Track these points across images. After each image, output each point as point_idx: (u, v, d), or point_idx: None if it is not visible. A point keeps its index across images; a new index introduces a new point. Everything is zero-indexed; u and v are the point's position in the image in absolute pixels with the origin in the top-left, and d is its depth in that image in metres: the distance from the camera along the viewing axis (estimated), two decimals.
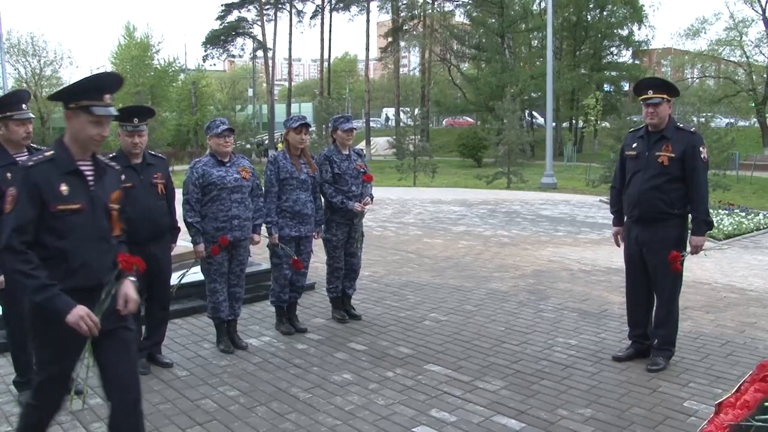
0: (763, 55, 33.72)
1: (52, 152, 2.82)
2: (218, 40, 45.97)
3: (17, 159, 3.89)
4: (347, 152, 5.92)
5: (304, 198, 5.52)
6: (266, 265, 6.81)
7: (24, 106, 4.10)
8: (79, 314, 2.70)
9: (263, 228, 5.42)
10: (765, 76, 33.12)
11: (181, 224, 4.94)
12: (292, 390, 4.39)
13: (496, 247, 9.76)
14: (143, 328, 4.81)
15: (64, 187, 2.78)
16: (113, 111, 2.85)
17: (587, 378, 4.63)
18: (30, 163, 2.78)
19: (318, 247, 6.21)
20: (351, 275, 6.09)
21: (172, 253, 4.96)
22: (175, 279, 5.11)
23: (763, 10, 32.94)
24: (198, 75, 44.33)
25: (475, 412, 4.06)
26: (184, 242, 5.47)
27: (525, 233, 11.17)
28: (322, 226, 5.84)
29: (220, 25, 45.64)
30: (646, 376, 4.67)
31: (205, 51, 46.59)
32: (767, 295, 7.03)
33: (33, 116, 4.24)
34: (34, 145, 4.19)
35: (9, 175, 3.32)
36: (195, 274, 5.58)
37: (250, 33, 46.16)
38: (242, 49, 47.98)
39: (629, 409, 4.12)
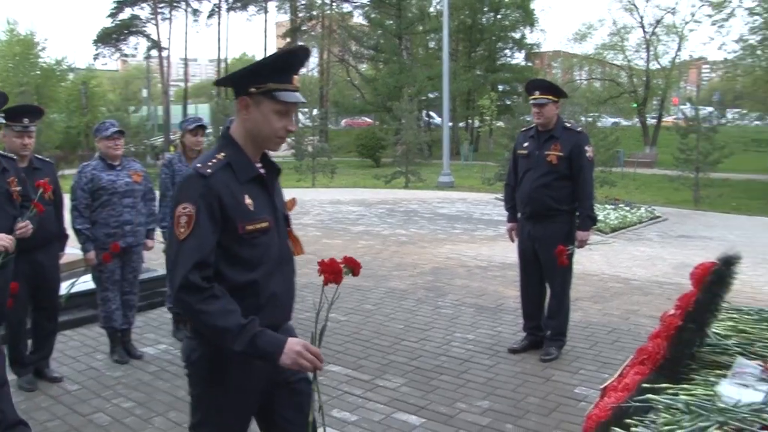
0: (642, 59, 35.78)
1: (222, 154, 2.16)
2: (110, 38, 44.24)
3: None
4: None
5: None
6: (162, 270, 6.62)
7: None
8: (295, 350, 2.05)
9: (158, 232, 5.26)
10: (644, 79, 35.14)
11: (71, 231, 4.74)
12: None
13: (395, 246, 9.87)
14: (29, 341, 4.58)
15: (248, 200, 2.16)
16: (301, 97, 2.22)
17: (484, 371, 4.76)
18: (208, 171, 2.10)
19: None
20: None
21: (61, 262, 4.74)
22: (64, 288, 4.89)
23: (641, 18, 35.09)
24: (88, 75, 42.46)
25: (376, 410, 4.10)
26: (73, 250, 5.24)
27: (423, 231, 11.35)
28: None
29: (112, 22, 43.95)
30: (540, 366, 4.85)
31: (96, 50, 44.84)
32: (649, 284, 7.46)
33: None
34: None
35: None
36: (86, 282, 5.36)
37: (143, 31, 44.70)
38: (136, 48, 46.45)
39: (525, 398, 4.27)
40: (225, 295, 2.05)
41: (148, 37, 44.49)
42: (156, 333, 5.69)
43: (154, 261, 7.14)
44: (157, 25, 42.85)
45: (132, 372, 4.77)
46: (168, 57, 44.55)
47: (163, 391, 4.41)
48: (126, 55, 49.03)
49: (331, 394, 4.35)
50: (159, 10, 43.14)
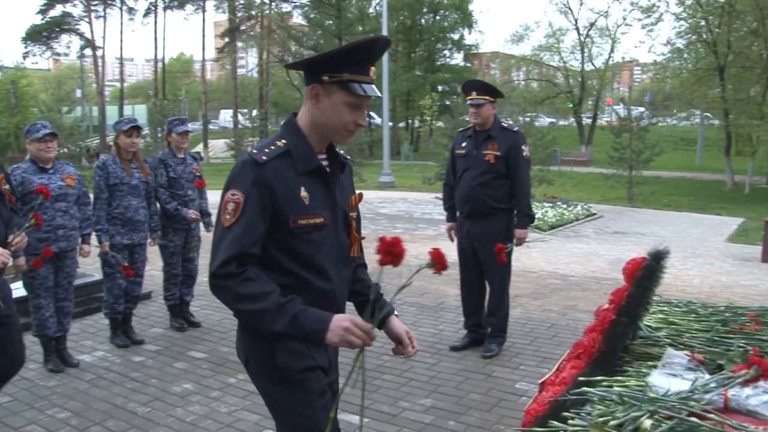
0: (577, 60, 36.71)
1: (283, 141, 2.04)
2: (40, 36, 42.71)
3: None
4: (183, 156, 5.75)
5: (136, 204, 5.27)
6: (98, 275, 6.46)
7: None
8: (342, 326, 1.89)
9: (93, 236, 5.13)
10: (579, 80, 36.04)
11: None
12: (129, 405, 4.20)
13: None
14: None
15: (304, 193, 2.03)
16: (377, 90, 2.08)
17: (427, 369, 4.80)
18: (263, 158, 1.98)
19: (154, 254, 5.97)
20: (188, 281, 5.93)
21: None
22: None
23: (576, 21, 36.05)
24: (17, 74, 40.95)
25: None
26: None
27: (364, 232, 11.31)
28: (158, 232, 5.63)
29: (42, 19, 42.40)
30: (481, 362, 4.92)
31: (26, 48, 43.22)
32: (586, 280, 7.65)
33: None
34: None
35: None
36: (17, 289, 5.17)
37: (76, 30, 43.30)
38: (68, 47, 45.00)
39: (467, 395, 4.33)
40: (260, 276, 1.94)
41: (81, 35, 43.18)
42: (93, 340, 5.54)
43: (90, 265, 6.97)
44: (90, 23, 41.66)
45: (67, 381, 4.64)
46: (103, 56, 43.43)
47: (100, 399, 4.30)
48: (58, 54, 47.48)
49: None
50: (92, 8, 41.92)
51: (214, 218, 6.31)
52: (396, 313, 2.23)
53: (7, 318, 3.55)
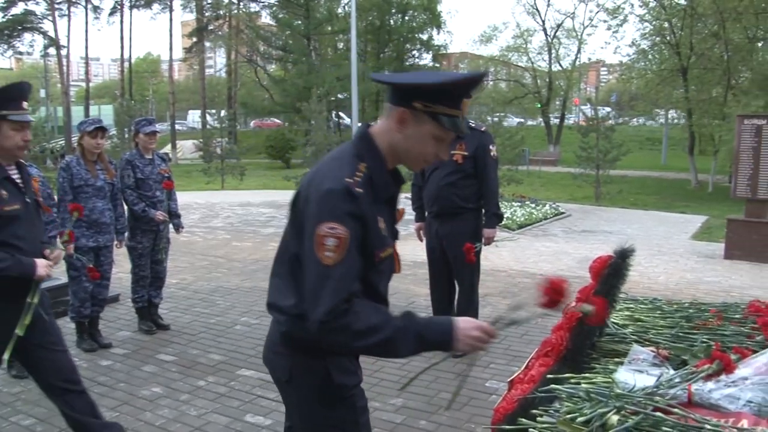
0: (545, 61, 37.09)
1: (364, 165, 1.87)
2: (2, 34, 41.71)
3: (10, 173, 3.10)
4: (150, 156, 5.69)
5: (102, 206, 5.21)
6: (64, 279, 6.36)
7: (24, 104, 3.09)
8: (471, 336, 1.84)
9: (57, 239, 5.05)
10: (547, 80, 36.42)
11: None
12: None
13: None
14: None
15: (382, 224, 1.90)
16: (467, 128, 1.99)
17: (397, 369, 4.81)
18: (358, 189, 1.81)
19: (121, 256, 5.90)
20: (157, 283, 5.87)
21: None
22: None
23: (543, 22, 36.41)
24: None
25: None
26: None
27: None
28: (126, 234, 5.56)
29: (3, 17, 41.46)
30: (451, 361, 4.90)
31: None
32: None
33: (33, 119, 3.31)
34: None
35: (4, 193, 2.95)
36: None
37: (39, 28, 42.38)
38: (31, 46, 44.20)
39: (437, 394, 4.35)
40: (366, 304, 1.81)
41: (44, 34, 42.33)
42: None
43: (55, 269, 6.84)
44: (54, 21, 40.80)
45: (32, 387, 4.51)
46: (67, 55, 42.55)
47: None
48: (21, 53, 46.56)
49: (245, 399, 4.30)
50: (56, 6, 41.13)
51: (183, 220, 6.26)
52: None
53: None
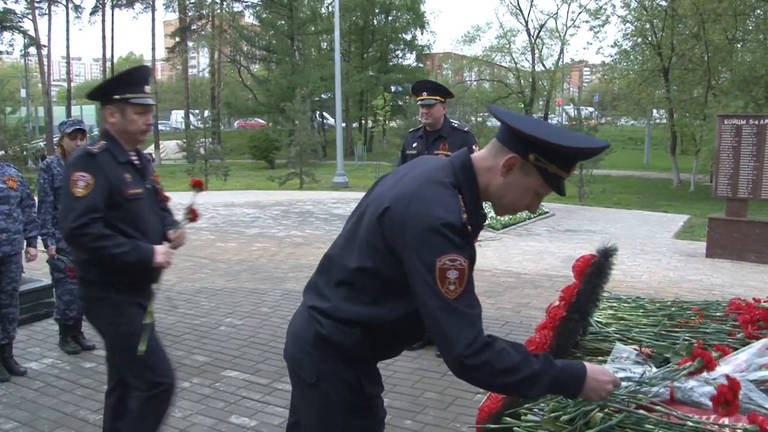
0: (528, 61, 37.27)
1: (460, 197, 1.79)
2: None
3: (131, 158, 3.07)
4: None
5: None
6: (46, 280, 6.32)
7: (146, 88, 3.07)
8: (605, 389, 1.81)
9: (39, 240, 5.01)
10: (530, 80, 36.59)
11: None
12: (80, 413, 4.11)
13: (290, 248, 9.81)
14: None
15: None
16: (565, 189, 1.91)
17: (383, 369, 4.74)
18: (465, 217, 1.76)
19: None
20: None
21: None
22: None
23: (526, 22, 36.59)
24: None
25: (275, 414, 4.07)
26: None
27: (318, 232, 11.33)
28: None
29: None
30: (436, 361, 4.96)
31: None
32: (539, 278, 7.77)
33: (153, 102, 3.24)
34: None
35: (127, 176, 2.92)
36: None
37: (19, 27, 41.82)
38: (11, 45, 43.51)
39: (423, 394, 4.36)
40: (505, 343, 1.77)
41: (24, 33, 41.86)
42: (41, 346, 5.40)
43: (38, 271, 6.80)
44: (34, 20, 40.32)
45: (14, 390, 4.51)
46: (48, 55, 42.12)
47: (49, 407, 4.19)
48: (0, 52, 46.07)
49: (230, 400, 4.28)
50: (36, 5, 40.68)
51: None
52: None
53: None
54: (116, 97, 2.92)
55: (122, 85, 2.94)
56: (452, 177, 1.83)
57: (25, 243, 4.86)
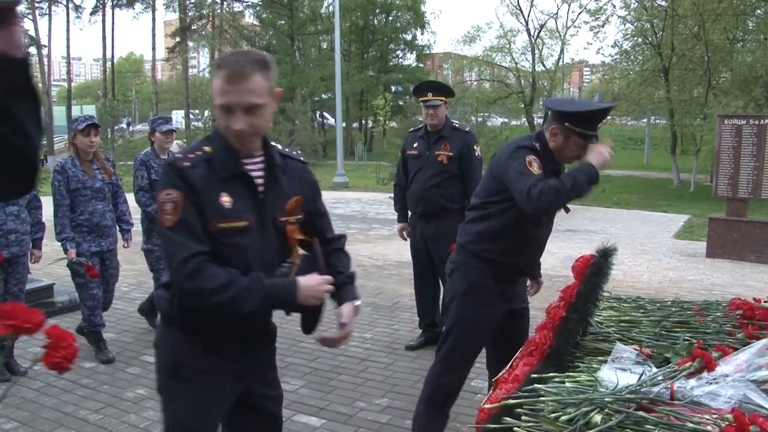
0: (528, 61, 37.25)
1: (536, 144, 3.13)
2: None
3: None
4: (166, 156, 5.37)
5: (102, 208, 4.95)
6: (46, 280, 6.36)
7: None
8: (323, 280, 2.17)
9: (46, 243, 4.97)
10: (531, 80, 36.58)
11: None
12: (81, 413, 4.11)
13: None
14: None
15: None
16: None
17: (383, 369, 4.82)
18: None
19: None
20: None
21: None
22: None
23: (527, 22, 36.59)
24: None
25: None
26: None
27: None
28: (128, 234, 5.36)
29: None
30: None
31: None
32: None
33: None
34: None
35: None
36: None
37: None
38: None
39: None
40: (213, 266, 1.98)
41: (25, 33, 41.82)
42: (41, 346, 5.38)
43: (38, 270, 6.79)
44: (35, 20, 40.38)
45: (14, 390, 4.51)
46: (48, 55, 42.21)
47: (49, 407, 4.20)
48: None
49: None
50: (37, 5, 40.71)
51: None
52: (357, 303, 2.32)
53: None
54: None
55: None
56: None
57: (30, 244, 4.81)
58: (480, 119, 20.37)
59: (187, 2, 42.37)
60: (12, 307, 1.57)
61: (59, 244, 4.90)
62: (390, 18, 40.65)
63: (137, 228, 5.65)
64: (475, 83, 41.42)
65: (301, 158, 2.29)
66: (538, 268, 3.47)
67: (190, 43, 45.40)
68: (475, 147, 5.05)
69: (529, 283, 3.52)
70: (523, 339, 2.99)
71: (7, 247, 4.54)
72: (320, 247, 2.21)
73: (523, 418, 1.95)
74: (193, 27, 43.57)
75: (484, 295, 3.18)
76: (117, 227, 5.26)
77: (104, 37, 42.26)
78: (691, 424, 1.75)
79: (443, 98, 5.00)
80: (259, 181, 2.08)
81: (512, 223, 3.04)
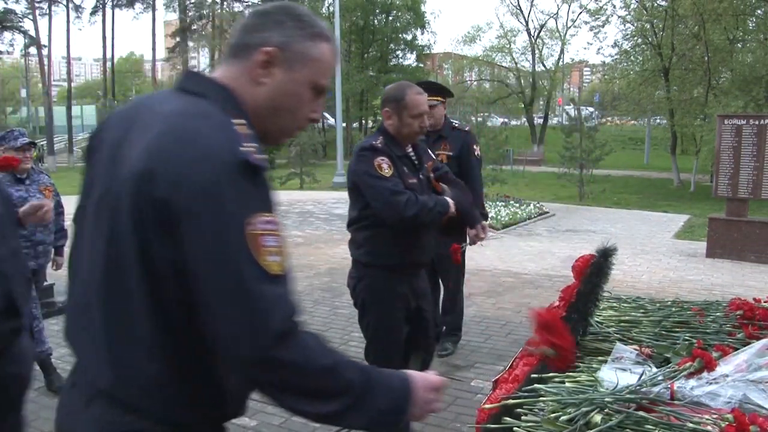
0: (528, 61, 37.28)
1: None
2: None
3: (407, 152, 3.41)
4: None
5: None
6: (50, 280, 6.33)
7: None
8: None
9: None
10: (531, 80, 36.61)
11: None
12: None
13: (290, 248, 9.76)
14: None
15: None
16: None
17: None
18: None
19: None
20: None
21: None
22: None
23: (527, 22, 36.62)
24: None
25: (275, 413, 4.06)
26: None
27: (318, 232, 11.33)
28: None
29: None
30: (436, 361, 4.94)
31: None
32: (539, 278, 7.76)
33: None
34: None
35: (405, 168, 3.29)
36: None
37: (19, 27, 41.77)
38: (11, 45, 43.50)
39: None
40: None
41: (25, 33, 41.82)
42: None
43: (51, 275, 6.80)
44: (35, 20, 40.19)
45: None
46: (48, 55, 42.05)
47: (49, 407, 4.19)
48: (0, 52, 46.05)
49: None
50: (37, 5, 40.59)
51: None
52: None
53: None
54: None
55: None
56: None
57: (52, 251, 4.80)
58: (480, 119, 20.37)
59: (187, 2, 42.32)
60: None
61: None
62: (390, 18, 40.62)
63: None
64: (475, 83, 41.45)
65: None
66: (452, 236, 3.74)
67: (190, 43, 45.30)
68: (474, 146, 5.05)
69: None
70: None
71: (35, 258, 4.52)
72: None
73: (524, 418, 1.95)
74: (193, 27, 43.51)
75: (388, 298, 3.33)
76: None
77: (104, 37, 42.21)
78: (691, 424, 1.75)
79: (440, 98, 5.00)
80: None
81: (389, 225, 3.17)
